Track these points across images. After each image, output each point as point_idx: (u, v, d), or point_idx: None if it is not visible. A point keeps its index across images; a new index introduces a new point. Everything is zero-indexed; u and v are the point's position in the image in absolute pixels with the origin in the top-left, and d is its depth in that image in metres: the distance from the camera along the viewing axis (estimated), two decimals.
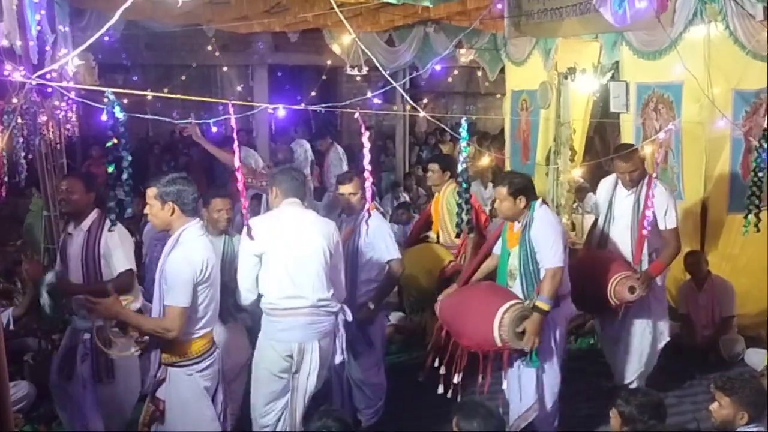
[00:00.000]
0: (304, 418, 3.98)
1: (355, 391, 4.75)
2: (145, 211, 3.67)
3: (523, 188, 4.37)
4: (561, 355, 4.54)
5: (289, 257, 3.98)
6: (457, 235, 5.17)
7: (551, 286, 4.21)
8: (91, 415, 4.24)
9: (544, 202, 4.47)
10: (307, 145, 9.51)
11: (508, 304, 4.18)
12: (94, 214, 4.30)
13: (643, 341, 5.14)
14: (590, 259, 5.15)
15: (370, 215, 3.90)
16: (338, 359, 4.20)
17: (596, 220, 5.40)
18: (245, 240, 3.88)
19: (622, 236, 5.06)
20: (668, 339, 5.27)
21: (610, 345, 5.36)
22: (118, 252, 4.22)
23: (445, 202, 5.71)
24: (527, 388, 4.40)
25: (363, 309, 4.57)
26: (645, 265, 4.90)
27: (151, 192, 3.58)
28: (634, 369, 5.17)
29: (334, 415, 3.28)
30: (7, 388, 1.96)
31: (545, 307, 4.19)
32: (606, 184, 5.32)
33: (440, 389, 4.38)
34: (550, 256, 4.25)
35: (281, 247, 3.99)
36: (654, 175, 4.79)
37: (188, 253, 3.50)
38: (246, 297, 4.08)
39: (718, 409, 3.48)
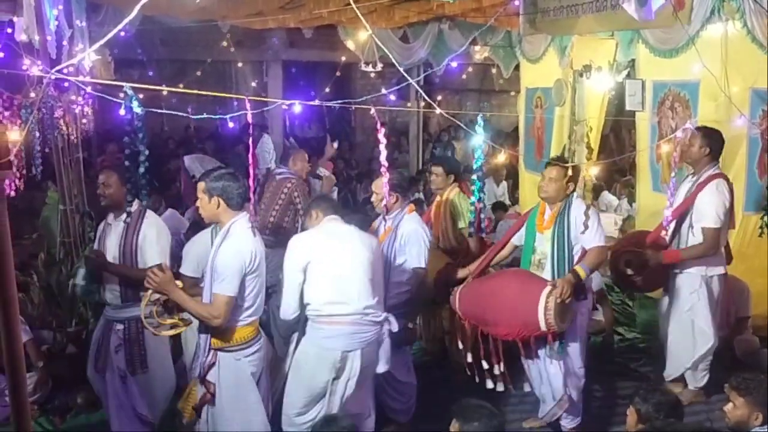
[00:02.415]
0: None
1: (387, 389, 4.68)
2: (197, 204, 3.85)
3: (576, 176, 4.58)
4: (584, 347, 4.59)
5: (333, 264, 3.95)
6: (470, 235, 5.16)
7: (597, 260, 4.36)
8: (138, 402, 4.33)
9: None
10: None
11: (550, 287, 4.20)
12: (135, 205, 4.35)
13: (684, 339, 5.05)
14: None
15: (388, 210, 3.86)
16: (382, 368, 4.15)
17: None
18: (291, 256, 3.97)
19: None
20: (712, 341, 5.02)
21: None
22: (153, 247, 4.30)
23: (448, 206, 5.50)
24: (552, 381, 4.46)
25: (403, 331, 4.46)
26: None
27: (201, 186, 3.75)
28: (673, 366, 5.15)
29: (339, 423, 3.31)
30: (24, 381, 1.98)
31: (583, 273, 4.26)
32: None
33: (489, 384, 4.39)
34: (595, 237, 4.38)
35: (325, 256, 3.96)
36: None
37: (238, 244, 3.66)
38: (288, 311, 4.02)
39: (733, 409, 3.46)
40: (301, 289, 3.95)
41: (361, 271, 3.98)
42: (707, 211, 4.81)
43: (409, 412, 4.76)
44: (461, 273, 4.82)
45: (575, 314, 4.38)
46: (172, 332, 3.87)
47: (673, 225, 5.02)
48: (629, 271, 4.95)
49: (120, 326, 4.31)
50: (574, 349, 4.51)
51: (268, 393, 3.93)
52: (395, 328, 4.12)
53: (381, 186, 4.46)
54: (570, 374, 4.50)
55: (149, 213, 4.41)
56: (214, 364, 3.74)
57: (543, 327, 4.19)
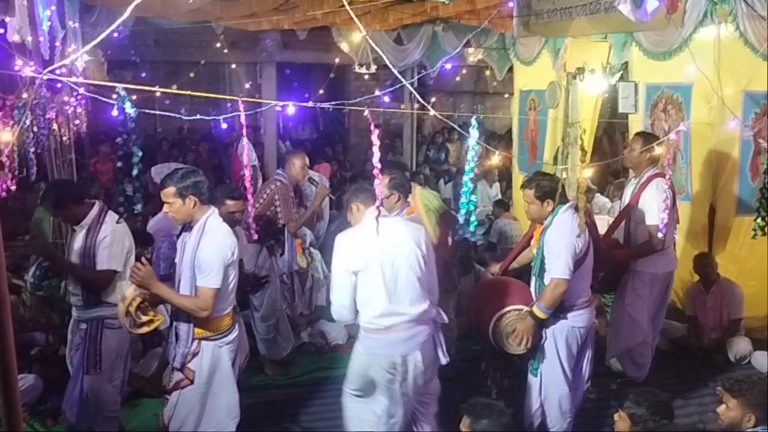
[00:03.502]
0: None
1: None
2: (164, 210, 3.86)
3: (550, 191, 4.25)
4: (570, 368, 4.35)
5: (384, 273, 3.76)
6: (461, 237, 5.16)
7: (551, 297, 4.10)
8: (76, 405, 4.39)
9: (576, 208, 4.33)
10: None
11: (505, 309, 4.20)
12: (94, 210, 4.34)
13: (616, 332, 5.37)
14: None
15: (380, 213, 3.74)
16: (444, 360, 4.03)
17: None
18: (339, 256, 3.81)
19: None
20: (643, 335, 5.27)
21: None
22: (105, 251, 4.29)
23: (420, 203, 5.26)
24: (530, 392, 4.39)
25: None
26: None
27: (169, 191, 3.74)
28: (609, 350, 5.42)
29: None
30: (15, 383, 1.97)
31: (540, 315, 4.12)
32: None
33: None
34: (555, 265, 4.13)
35: (375, 263, 3.76)
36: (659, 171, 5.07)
37: (218, 238, 3.79)
38: (342, 314, 3.88)
39: (726, 411, 3.47)
40: (353, 293, 3.80)
41: (413, 274, 3.82)
42: (650, 209, 5.03)
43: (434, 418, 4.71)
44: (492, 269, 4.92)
45: (553, 344, 4.26)
46: (147, 329, 3.95)
47: (623, 226, 5.28)
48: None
49: (84, 326, 4.38)
50: (553, 376, 4.31)
51: (238, 375, 4.23)
52: (445, 319, 4.05)
53: (384, 186, 4.39)
54: (545, 394, 4.35)
55: (108, 217, 4.36)
56: (197, 353, 3.90)
57: (493, 344, 4.23)
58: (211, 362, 3.93)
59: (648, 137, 5.33)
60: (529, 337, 4.16)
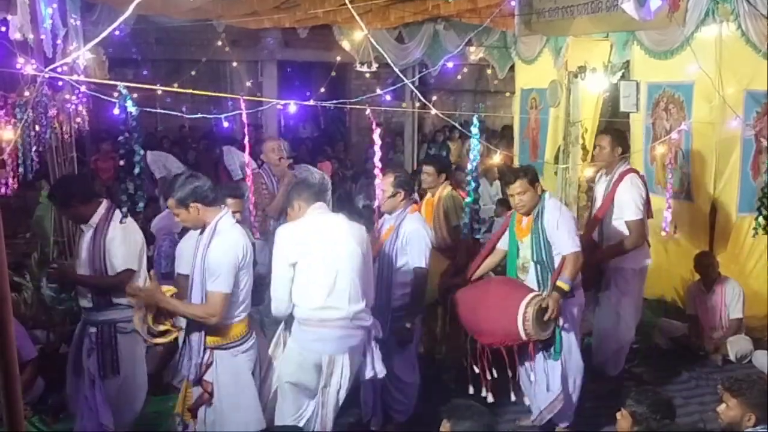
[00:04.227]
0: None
1: (390, 388, 4.66)
2: (176, 220, 3.80)
3: (536, 177, 4.49)
4: (579, 344, 4.59)
5: (324, 267, 3.83)
6: (464, 236, 5.15)
7: (574, 269, 4.31)
8: (102, 410, 4.21)
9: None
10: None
11: (529, 297, 4.21)
12: (101, 209, 4.22)
13: (606, 334, 5.35)
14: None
15: (381, 214, 3.79)
16: (368, 374, 4.04)
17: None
18: (278, 248, 3.86)
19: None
20: (633, 333, 5.37)
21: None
22: (119, 251, 4.16)
23: (441, 204, 5.51)
24: (553, 378, 4.44)
25: (401, 331, 4.51)
26: None
27: (171, 203, 3.67)
28: (597, 356, 5.40)
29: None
30: (16, 380, 1.97)
31: (566, 287, 4.27)
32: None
33: (472, 390, 4.40)
34: (568, 241, 4.33)
35: (315, 256, 3.83)
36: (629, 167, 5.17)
37: (229, 241, 3.63)
38: (280, 308, 3.92)
39: (726, 410, 3.47)
40: (291, 285, 3.85)
41: (352, 271, 3.86)
42: (627, 204, 5.06)
43: (409, 411, 4.76)
44: (459, 278, 4.83)
45: (567, 313, 4.40)
46: (164, 339, 3.83)
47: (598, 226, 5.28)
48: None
49: (93, 329, 4.20)
50: (569, 346, 4.49)
51: (259, 389, 3.93)
52: (380, 334, 4.06)
53: (389, 184, 4.48)
54: (569, 372, 4.50)
55: (116, 216, 4.21)
56: (211, 363, 3.71)
57: (523, 336, 4.21)
58: (229, 373, 3.73)
59: (618, 134, 5.39)
60: (558, 314, 4.26)
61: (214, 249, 3.59)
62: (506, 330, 4.24)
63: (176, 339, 3.91)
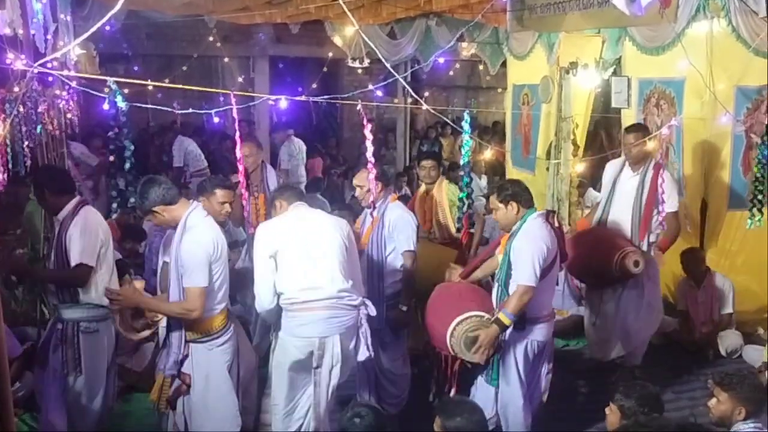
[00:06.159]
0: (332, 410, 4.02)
1: (383, 381, 4.73)
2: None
3: (513, 195, 4.17)
4: (527, 381, 4.23)
5: (304, 251, 3.89)
6: (458, 230, 5.18)
7: (517, 303, 3.95)
8: (54, 406, 4.17)
9: (548, 216, 4.21)
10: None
11: (464, 316, 4.02)
12: (70, 205, 4.15)
13: (637, 322, 5.36)
14: (595, 234, 5.46)
15: (374, 207, 3.83)
16: (363, 356, 4.03)
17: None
18: (258, 244, 3.91)
19: (622, 215, 5.35)
20: (657, 327, 5.58)
21: (603, 320, 5.46)
22: (75, 245, 4.06)
23: (444, 197, 5.66)
24: (484, 403, 4.01)
25: (396, 312, 4.54)
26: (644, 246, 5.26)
27: (141, 213, 3.78)
28: (618, 349, 5.45)
29: (364, 405, 3.37)
30: (6, 376, 1.96)
31: (506, 321, 3.96)
32: (613, 165, 5.61)
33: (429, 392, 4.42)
34: (522, 272, 4.00)
35: (295, 243, 3.90)
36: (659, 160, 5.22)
37: (199, 235, 3.67)
38: (263, 302, 3.93)
39: (717, 404, 3.50)
40: (273, 278, 3.87)
41: (333, 254, 3.92)
42: (670, 197, 5.18)
43: (401, 403, 4.80)
44: (454, 277, 4.73)
45: (512, 355, 4.16)
46: (147, 333, 3.88)
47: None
48: (635, 270, 4.96)
49: (60, 325, 4.15)
50: (509, 388, 4.19)
51: (239, 383, 4.00)
52: (373, 312, 4.05)
53: (365, 179, 4.51)
54: (501, 404, 4.24)
55: (83, 210, 4.14)
56: (187, 356, 3.79)
57: (451, 352, 4.10)
58: (204, 366, 3.79)
59: (640, 128, 5.53)
60: (491, 346, 3.98)
61: (186, 244, 3.65)
62: (442, 340, 4.15)
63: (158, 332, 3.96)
